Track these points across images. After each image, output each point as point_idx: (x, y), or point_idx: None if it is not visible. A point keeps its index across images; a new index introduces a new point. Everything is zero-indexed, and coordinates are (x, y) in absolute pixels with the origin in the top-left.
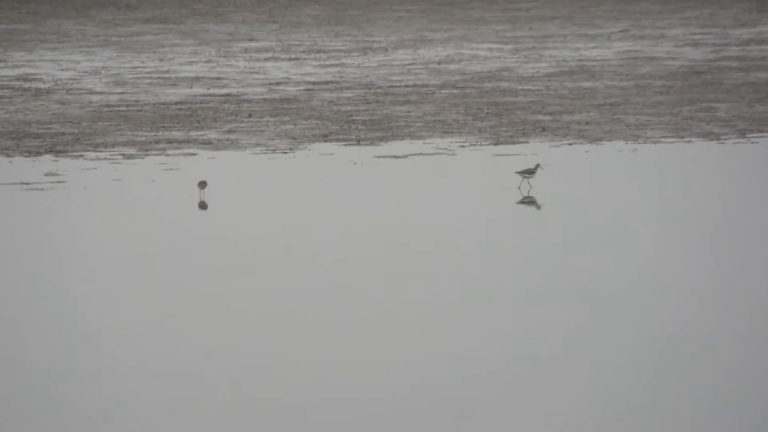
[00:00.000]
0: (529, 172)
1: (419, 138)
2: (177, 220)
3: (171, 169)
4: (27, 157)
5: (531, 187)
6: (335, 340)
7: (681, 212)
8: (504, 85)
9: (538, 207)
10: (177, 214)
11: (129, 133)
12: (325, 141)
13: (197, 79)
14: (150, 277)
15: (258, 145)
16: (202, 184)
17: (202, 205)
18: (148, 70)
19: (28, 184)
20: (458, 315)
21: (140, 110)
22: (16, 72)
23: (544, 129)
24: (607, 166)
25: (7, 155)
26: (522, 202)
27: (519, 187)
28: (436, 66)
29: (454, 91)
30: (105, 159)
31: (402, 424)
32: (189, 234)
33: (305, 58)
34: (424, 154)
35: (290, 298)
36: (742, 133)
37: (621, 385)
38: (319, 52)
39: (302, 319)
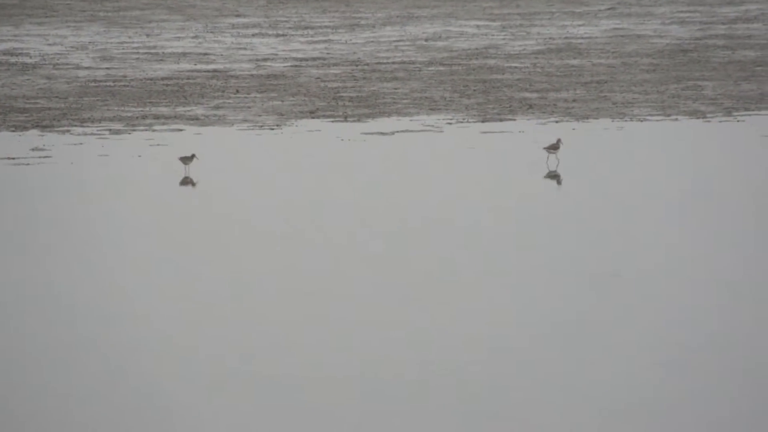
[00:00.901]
0: (554, 148)
1: (406, 115)
2: (162, 196)
3: (158, 145)
4: (13, 132)
5: (558, 161)
6: (352, 316)
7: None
8: (491, 62)
9: (559, 183)
10: (162, 190)
11: (116, 108)
12: (312, 117)
13: (184, 54)
14: (134, 254)
15: (245, 121)
16: (186, 160)
17: (186, 181)
18: (135, 45)
19: (14, 159)
20: (479, 288)
21: (127, 86)
22: (3, 47)
23: (530, 106)
24: (624, 142)
25: None
26: (548, 176)
27: (546, 163)
28: (423, 43)
29: (441, 68)
30: (91, 134)
31: (415, 405)
32: (173, 210)
33: (292, 35)
34: (410, 131)
35: (298, 275)
36: (728, 112)
37: (635, 367)
38: (306, 28)
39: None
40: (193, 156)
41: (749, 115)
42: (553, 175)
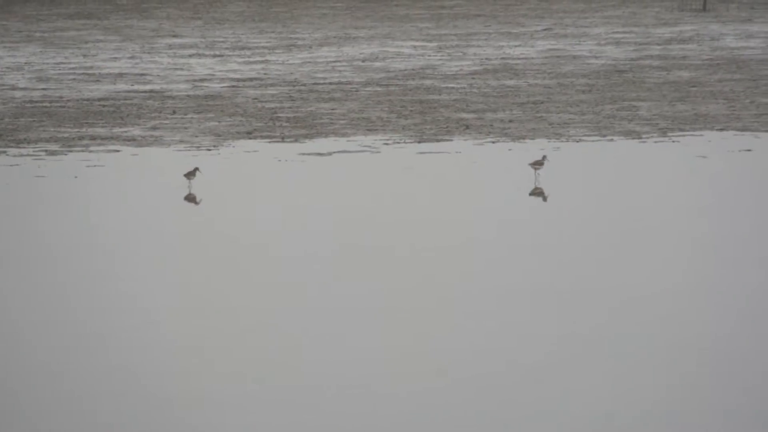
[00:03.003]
0: (539, 164)
1: (343, 135)
2: (101, 215)
3: (94, 166)
4: None
5: (538, 177)
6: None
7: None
8: (428, 82)
9: (545, 199)
10: (100, 210)
11: (52, 129)
12: (250, 138)
13: (121, 75)
14: (72, 274)
15: (182, 141)
16: (189, 175)
17: (190, 197)
18: (71, 66)
19: None
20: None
21: (63, 106)
22: None
23: (467, 127)
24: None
25: None
26: (533, 193)
27: (535, 180)
28: (361, 63)
29: (378, 88)
30: (28, 155)
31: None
32: (114, 230)
33: (229, 55)
34: (348, 151)
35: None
36: (664, 132)
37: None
38: (243, 48)
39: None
40: (195, 170)
41: (684, 135)
42: (538, 193)
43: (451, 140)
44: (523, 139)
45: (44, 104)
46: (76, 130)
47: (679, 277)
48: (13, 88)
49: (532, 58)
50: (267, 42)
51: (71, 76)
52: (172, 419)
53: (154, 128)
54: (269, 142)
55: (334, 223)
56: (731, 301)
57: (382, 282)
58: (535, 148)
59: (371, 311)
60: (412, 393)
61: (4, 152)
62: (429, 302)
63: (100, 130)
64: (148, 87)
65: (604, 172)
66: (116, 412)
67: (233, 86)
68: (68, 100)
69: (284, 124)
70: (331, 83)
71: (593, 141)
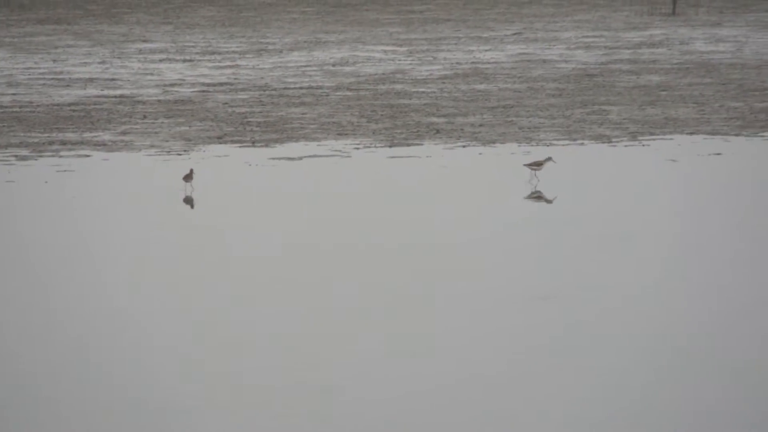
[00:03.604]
0: (537, 164)
1: (314, 140)
2: (78, 221)
3: (65, 171)
4: None
5: (538, 180)
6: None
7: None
8: (398, 87)
9: (548, 201)
10: (77, 216)
11: (22, 134)
12: (220, 143)
13: (91, 80)
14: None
15: (152, 146)
16: (187, 178)
17: (188, 200)
18: (41, 71)
19: None
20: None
21: (33, 111)
22: None
23: (438, 131)
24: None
25: None
26: (530, 197)
27: (529, 181)
28: (331, 68)
29: (349, 93)
30: None
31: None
32: (89, 234)
33: (200, 60)
34: (318, 156)
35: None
36: (634, 136)
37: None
38: (213, 53)
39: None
40: (191, 171)
41: (654, 139)
42: (536, 196)
43: (422, 144)
44: (494, 143)
45: (14, 109)
46: (47, 135)
47: (656, 278)
48: None
49: (503, 62)
50: (237, 47)
51: (41, 81)
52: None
53: (124, 133)
54: (240, 146)
55: (312, 224)
56: (709, 302)
57: (371, 280)
58: (506, 152)
59: (359, 310)
60: (404, 394)
61: None
62: (412, 303)
63: (70, 135)
64: (118, 92)
65: (575, 176)
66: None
67: (204, 91)
68: (38, 105)
69: (255, 128)
70: (301, 88)
71: (564, 145)
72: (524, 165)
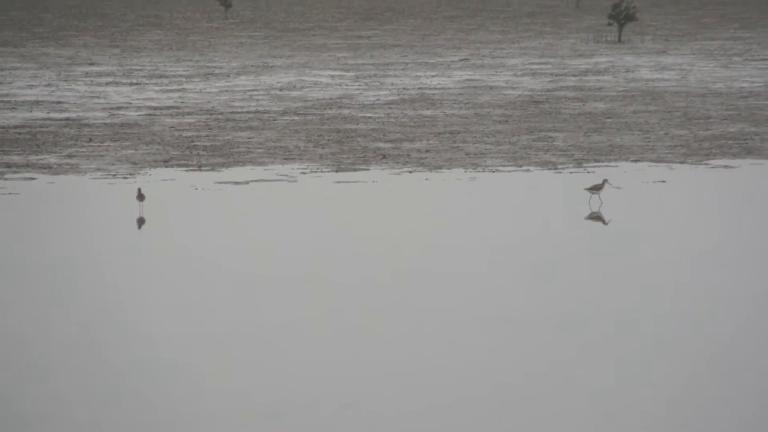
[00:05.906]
0: (597, 188)
1: (260, 164)
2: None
3: (9, 194)
4: None
5: (602, 202)
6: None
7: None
8: (345, 112)
9: (606, 222)
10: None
11: None
12: (166, 166)
13: (37, 102)
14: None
15: (98, 170)
16: (141, 197)
17: (141, 221)
18: None
19: None
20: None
21: None
22: None
23: (384, 156)
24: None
25: None
26: (590, 217)
27: (589, 203)
28: (278, 92)
29: (296, 117)
30: None
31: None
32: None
33: (146, 83)
34: (265, 180)
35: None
36: (579, 163)
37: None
38: (160, 77)
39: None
40: (139, 191)
41: (599, 166)
42: (596, 216)
43: (368, 170)
44: (440, 168)
45: None
46: None
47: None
48: None
49: (449, 88)
50: (184, 70)
51: None
52: None
53: (70, 156)
54: (186, 170)
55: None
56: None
57: (357, 301)
58: (453, 177)
59: (349, 333)
60: (403, 413)
61: None
62: (400, 326)
63: (15, 158)
64: (64, 115)
65: (526, 201)
66: None
67: (150, 114)
68: None
69: (201, 152)
70: (248, 112)
71: (510, 171)
72: (585, 189)
